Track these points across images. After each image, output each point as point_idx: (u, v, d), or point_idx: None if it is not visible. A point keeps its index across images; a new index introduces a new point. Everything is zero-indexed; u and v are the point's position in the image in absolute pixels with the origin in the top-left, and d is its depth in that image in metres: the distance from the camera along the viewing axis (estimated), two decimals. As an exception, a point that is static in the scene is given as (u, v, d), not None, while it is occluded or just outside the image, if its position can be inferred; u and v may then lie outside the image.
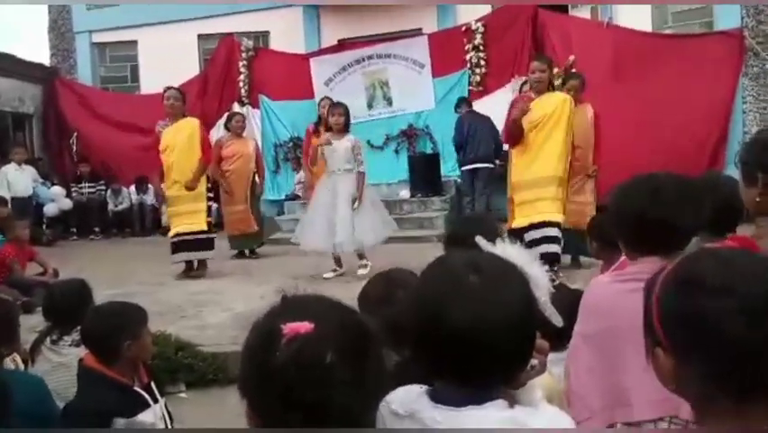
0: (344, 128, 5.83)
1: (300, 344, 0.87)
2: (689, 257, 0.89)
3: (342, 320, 0.93)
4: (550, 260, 4.98)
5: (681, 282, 0.85)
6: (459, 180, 9.04)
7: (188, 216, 6.29)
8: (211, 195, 6.78)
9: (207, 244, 6.43)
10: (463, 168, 8.22)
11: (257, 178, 7.59)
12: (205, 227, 6.36)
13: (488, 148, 8.09)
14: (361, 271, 5.66)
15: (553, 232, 4.99)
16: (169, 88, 6.37)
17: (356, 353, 0.90)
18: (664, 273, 0.88)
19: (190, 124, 6.37)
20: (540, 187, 5.04)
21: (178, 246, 6.35)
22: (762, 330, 0.78)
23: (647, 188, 1.58)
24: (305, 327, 0.88)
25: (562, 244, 5.10)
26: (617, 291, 1.56)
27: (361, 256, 5.84)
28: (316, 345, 0.87)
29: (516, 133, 5.10)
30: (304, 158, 7.91)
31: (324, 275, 5.79)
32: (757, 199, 1.57)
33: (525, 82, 6.44)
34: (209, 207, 6.62)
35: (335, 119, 5.79)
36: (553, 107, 5.07)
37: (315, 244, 5.82)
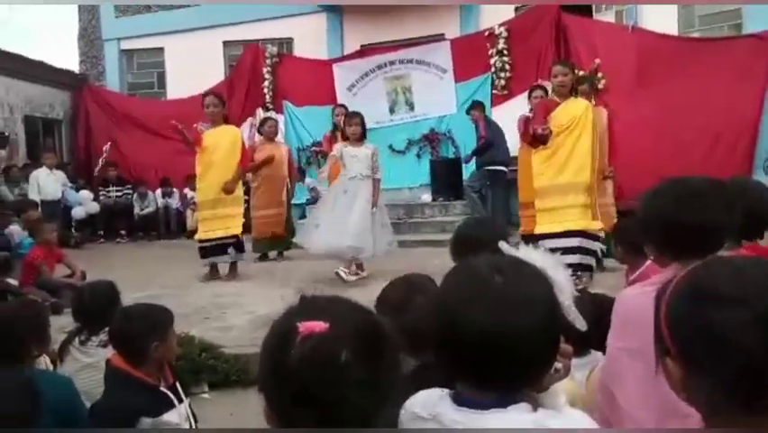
0: (361, 137, 5.89)
1: (315, 342, 0.88)
2: (700, 266, 0.88)
3: (357, 321, 0.94)
4: (583, 270, 4.95)
5: (692, 291, 0.84)
6: (479, 179, 9.02)
7: (224, 221, 6.28)
8: (246, 198, 6.78)
9: (240, 247, 6.48)
10: (489, 167, 8.17)
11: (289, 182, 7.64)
12: (239, 231, 6.38)
13: (507, 152, 8.12)
14: (349, 277, 5.72)
15: (579, 242, 4.93)
16: (207, 94, 6.44)
17: (371, 353, 0.91)
18: (675, 282, 0.87)
19: (233, 130, 6.45)
20: (570, 193, 4.98)
21: (210, 250, 6.34)
22: None
23: (676, 192, 1.53)
24: (320, 326, 0.89)
25: (595, 251, 5.04)
26: (645, 302, 1.52)
27: (359, 266, 5.86)
28: (331, 344, 0.88)
29: (544, 140, 5.05)
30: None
31: (348, 279, 5.81)
32: None
33: (534, 88, 6.33)
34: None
35: (352, 129, 5.84)
36: (581, 110, 5.03)
37: (321, 245, 5.81)
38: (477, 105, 8.57)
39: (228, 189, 6.22)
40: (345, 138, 6.04)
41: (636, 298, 1.60)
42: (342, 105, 7.81)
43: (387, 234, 6.04)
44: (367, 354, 0.90)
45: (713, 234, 1.48)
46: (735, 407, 0.80)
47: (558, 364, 1.07)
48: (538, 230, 5.08)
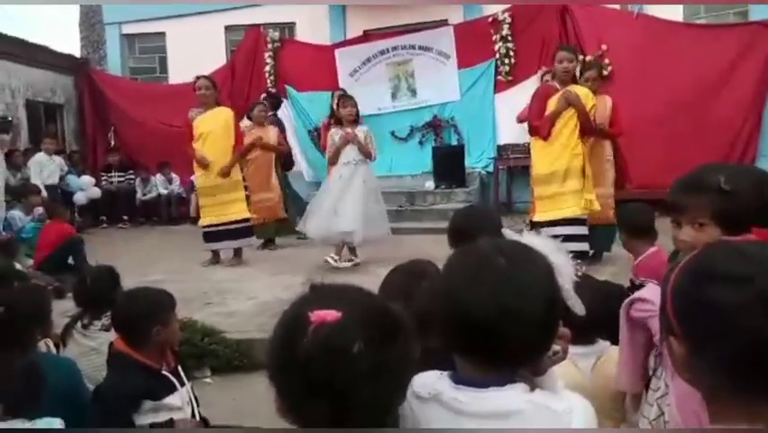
0: (356, 120, 5.89)
1: (327, 331, 0.87)
2: (705, 248, 0.89)
3: (369, 308, 0.94)
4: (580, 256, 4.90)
5: (696, 272, 0.84)
6: (482, 173, 9.04)
7: (227, 206, 6.26)
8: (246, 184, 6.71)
9: (247, 232, 6.45)
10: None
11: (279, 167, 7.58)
12: (246, 215, 6.36)
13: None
14: (340, 264, 5.75)
15: (575, 230, 4.91)
16: (199, 77, 6.35)
17: (383, 341, 0.90)
18: (681, 263, 0.88)
19: (224, 113, 6.35)
20: (567, 180, 4.95)
21: (213, 236, 6.33)
22: None
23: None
24: (332, 315, 0.89)
25: (587, 239, 5.01)
26: None
27: (352, 251, 5.88)
28: (343, 333, 0.88)
29: (550, 129, 5.01)
30: (323, 146, 7.83)
31: (338, 265, 5.81)
32: None
33: (546, 72, 6.35)
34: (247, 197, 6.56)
35: (348, 110, 5.84)
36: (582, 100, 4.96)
37: (318, 231, 5.85)
38: (269, 99, 8.53)
39: (224, 173, 6.19)
40: (338, 121, 6.02)
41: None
42: (341, 90, 7.77)
43: (383, 222, 6.04)
44: (379, 342, 0.89)
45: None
46: (735, 387, 0.80)
47: (556, 347, 1.08)
48: (537, 217, 5.07)
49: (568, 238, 4.72)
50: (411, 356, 0.96)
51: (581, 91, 5.07)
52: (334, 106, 7.16)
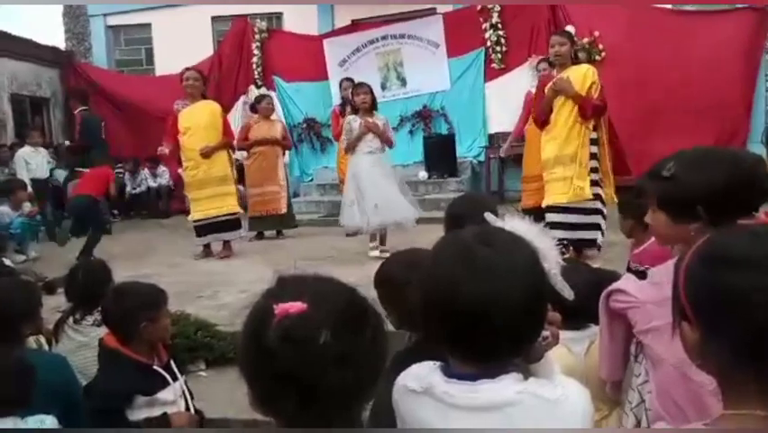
0: (372, 107, 5.79)
1: (291, 323, 0.87)
2: (719, 232, 0.89)
3: (336, 299, 0.93)
4: (583, 245, 4.91)
5: (708, 255, 0.84)
6: (474, 162, 8.98)
7: (216, 200, 6.19)
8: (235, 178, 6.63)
9: (235, 225, 6.39)
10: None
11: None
12: (234, 210, 6.28)
13: (105, 153, 8.27)
14: (375, 253, 5.70)
15: (576, 218, 4.91)
16: (187, 69, 6.27)
17: (351, 331, 0.90)
18: (694, 247, 0.87)
19: (210, 107, 6.27)
20: (549, 168, 4.95)
21: (204, 229, 6.28)
22: None
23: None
24: (296, 306, 0.88)
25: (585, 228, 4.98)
26: None
27: (382, 240, 5.84)
28: (308, 324, 0.87)
29: (546, 117, 4.99)
30: (336, 135, 7.71)
31: (372, 254, 5.74)
32: None
33: (541, 60, 6.33)
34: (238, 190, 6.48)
35: (362, 98, 5.73)
36: (579, 82, 4.88)
37: (372, 224, 5.73)
38: (75, 94, 8.47)
39: (204, 153, 6.08)
40: (355, 110, 5.93)
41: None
42: (349, 79, 7.67)
43: (415, 205, 6.12)
44: (346, 332, 0.89)
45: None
46: (747, 372, 0.80)
47: (546, 332, 1.07)
48: (544, 203, 5.07)
49: (556, 226, 4.76)
50: (382, 345, 0.96)
51: (577, 72, 4.94)
52: (345, 95, 7.11)
